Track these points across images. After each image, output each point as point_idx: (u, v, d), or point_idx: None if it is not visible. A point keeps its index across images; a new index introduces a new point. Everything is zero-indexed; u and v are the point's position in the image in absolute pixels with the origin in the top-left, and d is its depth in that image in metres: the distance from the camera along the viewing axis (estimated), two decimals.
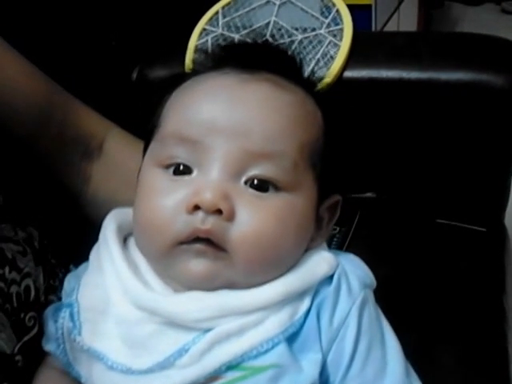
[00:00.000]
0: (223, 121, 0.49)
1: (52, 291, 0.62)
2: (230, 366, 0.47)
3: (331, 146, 0.55)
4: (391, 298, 0.79)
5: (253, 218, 0.48)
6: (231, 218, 0.48)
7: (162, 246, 0.49)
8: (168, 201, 0.49)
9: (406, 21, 1.94)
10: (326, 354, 0.49)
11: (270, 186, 0.50)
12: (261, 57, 0.55)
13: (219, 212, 0.48)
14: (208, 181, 0.49)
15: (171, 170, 0.51)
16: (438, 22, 2.42)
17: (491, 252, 0.95)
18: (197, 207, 0.48)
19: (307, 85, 0.56)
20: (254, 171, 0.49)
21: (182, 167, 0.50)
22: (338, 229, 1.00)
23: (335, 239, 0.99)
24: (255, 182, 0.49)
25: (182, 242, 0.49)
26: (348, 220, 1.02)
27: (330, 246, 0.96)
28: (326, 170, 0.54)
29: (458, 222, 1.00)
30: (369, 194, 1.10)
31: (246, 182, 0.50)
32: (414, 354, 0.53)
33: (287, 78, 0.54)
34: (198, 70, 0.56)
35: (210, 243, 0.48)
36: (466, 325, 0.81)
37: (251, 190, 0.49)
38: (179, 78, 0.56)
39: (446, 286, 0.87)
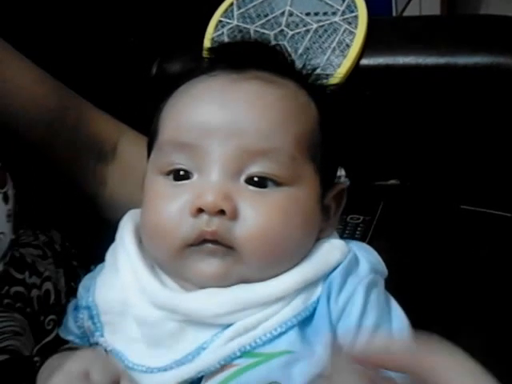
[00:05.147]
0: (217, 123, 0.50)
1: (73, 293, 0.62)
2: (245, 353, 0.48)
3: (330, 136, 0.55)
4: (415, 286, 0.80)
5: (256, 214, 0.49)
6: (235, 216, 0.49)
7: (172, 249, 0.50)
8: (172, 206, 0.50)
9: (429, 3, 1.91)
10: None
11: (270, 181, 0.50)
12: (248, 55, 0.55)
13: (222, 213, 0.48)
14: (208, 183, 0.50)
15: (172, 176, 0.52)
16: (462, 3, 2.38)
17: None
18: (200, 210, 0.49)
19: (298, 78, 0.56)
20: (253, 169, 0.50)
21: (181, 172, 0.51)
22: (361, 218, 0.99)
23: (359, 229, 0.98)
24: (254, 179, 0.50)
25: (190, 245, 0.50)
26: (371, 209, 1.01)
27: (353, 236, 0.96)
28: (326, 160, 0.54)
29: (482, 208, 0.99)
30: (392, 181, 1.09)
31: (245, 181, 0.50)
32: None
33: (276, 73, 0.54)
34: (190, 75, 0.56)
35: (219, 243, 0.49)
36: (490, 313, 0.80)
37: (251, 188, 0.50)
38: (173, 85, 0.57)
39: (471, 272, 0.86)
